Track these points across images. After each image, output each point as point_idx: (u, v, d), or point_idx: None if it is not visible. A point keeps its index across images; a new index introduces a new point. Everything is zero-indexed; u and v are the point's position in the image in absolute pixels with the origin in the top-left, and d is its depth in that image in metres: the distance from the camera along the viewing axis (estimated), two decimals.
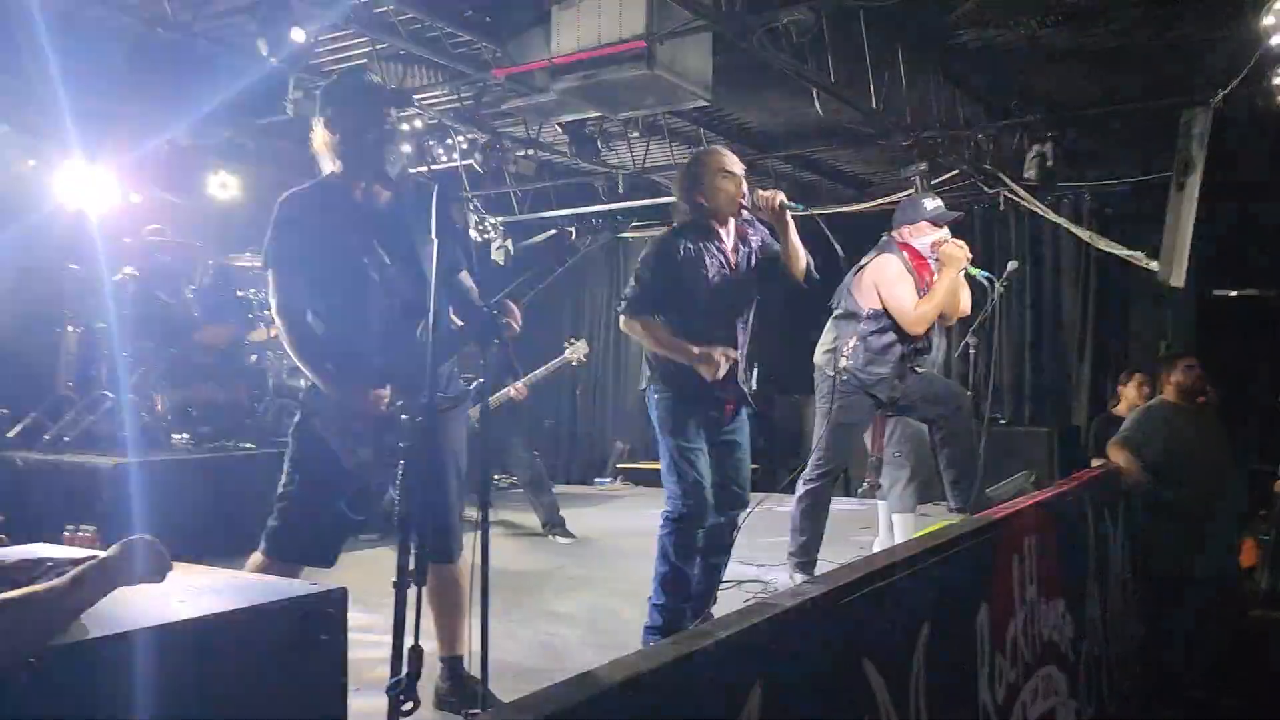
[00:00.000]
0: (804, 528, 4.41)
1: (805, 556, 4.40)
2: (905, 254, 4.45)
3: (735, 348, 3.58)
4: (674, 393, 3.55)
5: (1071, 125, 7.03)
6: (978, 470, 4.55)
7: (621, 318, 3.63)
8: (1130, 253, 6.99)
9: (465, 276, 2.85)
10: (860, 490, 7.98)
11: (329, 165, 2.83)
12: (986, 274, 4.94)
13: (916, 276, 4.40)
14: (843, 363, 4.36)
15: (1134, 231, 7.33)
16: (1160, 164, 6.40)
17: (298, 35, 4.78)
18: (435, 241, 2.10)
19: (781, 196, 3.50)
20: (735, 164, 3.58)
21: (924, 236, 4.46)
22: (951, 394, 4.59)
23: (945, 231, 4.46)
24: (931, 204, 4.55)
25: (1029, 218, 8.31)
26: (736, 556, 3.86)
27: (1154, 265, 6.16)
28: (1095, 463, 5.04)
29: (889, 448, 5.32)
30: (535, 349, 10.62)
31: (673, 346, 3.51)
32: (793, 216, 3.51)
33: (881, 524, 5.29)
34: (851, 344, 4.37)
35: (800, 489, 4.46)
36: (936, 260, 4.40)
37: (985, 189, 7.78)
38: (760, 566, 4.84)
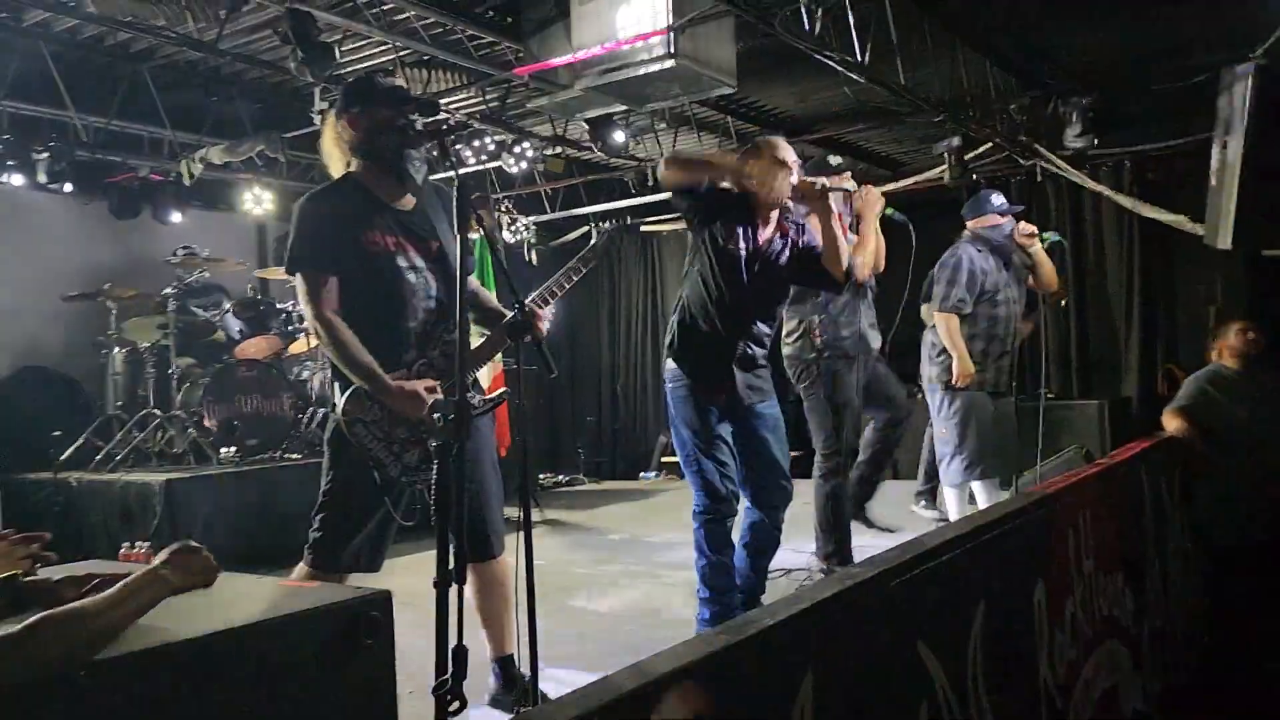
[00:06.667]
0: (828, 523, 4.37)
1: (839, 553, 4.35)
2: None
3: (751, 340, 3.52)
4: (687, 380, 3.48)
5: (1107, 89, 6.86)
6: (876, 482, 5.01)
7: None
8: (1174, 217, 6.80)
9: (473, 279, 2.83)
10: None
11: (339, 165, 2.80)
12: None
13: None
14: (819, 340, 4.41)
15: (1177, 196, 7.14)
16: (1201, 125, 6.23)
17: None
18: (458, 239, 2.09)
19: (823, 180, 3.43)
20: (789, 154, 3.48)
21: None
22: (901, 403, 4.84)
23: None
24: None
25: (1068, 188, 8.15)
26: (784, 544, 3.81)
27: (1200, 229, 5.99)
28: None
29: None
30: (574, 342, 10.71)
31: None
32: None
33: (950, 505, 5.21)
34: (819, 319, 4.41)
35: (815, 484, 4.40)
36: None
37: (1021, 161, 7.63)
38: (810, 555, 4.78)
